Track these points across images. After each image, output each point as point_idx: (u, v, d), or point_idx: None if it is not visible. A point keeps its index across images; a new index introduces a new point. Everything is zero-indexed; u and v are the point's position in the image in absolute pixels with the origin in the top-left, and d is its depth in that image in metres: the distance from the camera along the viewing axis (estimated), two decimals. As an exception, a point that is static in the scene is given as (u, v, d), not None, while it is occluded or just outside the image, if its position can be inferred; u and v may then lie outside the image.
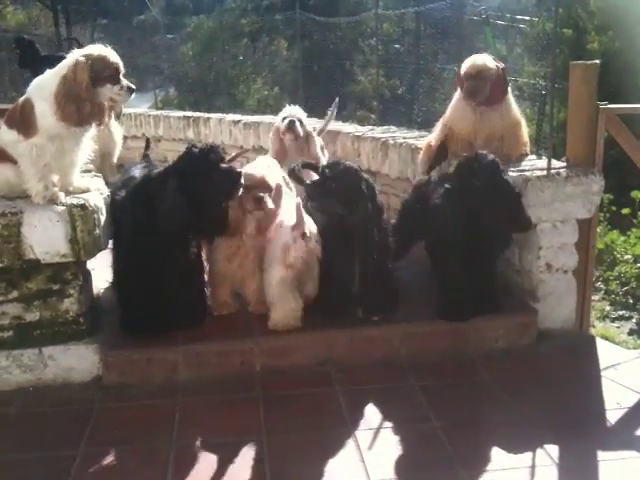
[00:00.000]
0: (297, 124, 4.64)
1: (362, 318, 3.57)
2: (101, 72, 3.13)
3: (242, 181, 3.30)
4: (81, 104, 3.07)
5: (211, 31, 19.42)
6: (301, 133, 4.66)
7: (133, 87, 3.23)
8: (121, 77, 3.20)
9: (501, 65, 4.06)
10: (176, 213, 3.16)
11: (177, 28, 21.40)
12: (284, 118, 4.70)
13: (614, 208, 6.51)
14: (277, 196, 3.56)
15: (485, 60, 4.03)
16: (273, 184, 3.52)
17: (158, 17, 22.16)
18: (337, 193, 3.36)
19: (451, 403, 3.14)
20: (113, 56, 3.19)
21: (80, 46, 4.86)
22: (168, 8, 31.13)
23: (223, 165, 3.26)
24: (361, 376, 3.35)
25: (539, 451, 2.75)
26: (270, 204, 3.44)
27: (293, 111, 4.72)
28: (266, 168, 3.72)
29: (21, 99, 3.22)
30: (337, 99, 5.23)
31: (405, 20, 17.38)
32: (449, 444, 2.80)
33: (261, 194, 3.42)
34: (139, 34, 20.99)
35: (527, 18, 12.18)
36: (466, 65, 4.01)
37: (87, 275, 3.49)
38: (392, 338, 3.52)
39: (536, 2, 12.63)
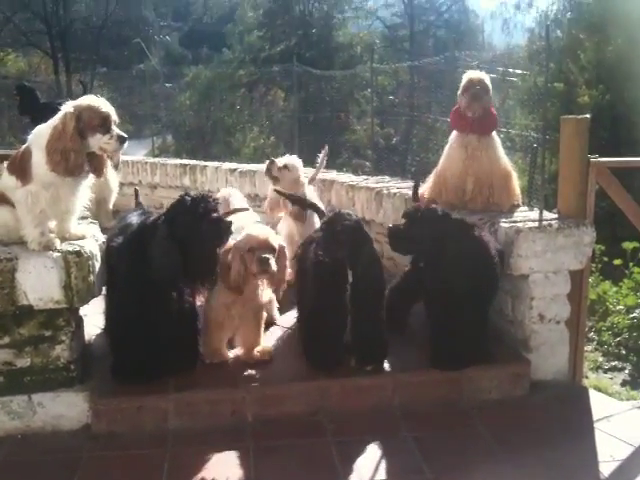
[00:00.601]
0: (274, 163, 4.75)
1: (355, 367, 3.56)
2: (90, 122, 3.16)
3: (231, 230, 3.31)
4: (67, 154, 3.11)
5: (209, 81, 19.81)
6: (277, 174, 4.75)
7: (124, 136, 3.25)
8: (112, 126, 3.23)
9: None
10: (166, 261, 3.17)
11: (176, 77, 21.81)
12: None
13: (606, 259, 6.56)
14: (282, 256, 3.53)
15: (480, 73, 4.26)
16: (276, 245, 3.50)
17: (157, 66, 22.61)
18: (347, 244, 3.37)
19: (444, 454, 3.10)
20: (104, 106, 3.23)
21: (85, 90, 4.88)
22: (167, 58, 31.80)
23: (213, 215, 3.27)
24: (354, 426, 3.32)
25: (532, 504, 2.73)
26: (274, 266, 3.43)
27: (288, 160, 4.80)
28: (267, 228, 3.64)
29: (23, 147, 3.28)
30: (326, 147, 5.30)
31: (399, 73, 17.79)
32: (442, 497, 2.78)
33: (266, 255, 3.39)
34: (138, 82, 21.39)
35: (519, 72, 12.46)
36: (468, 76, 4.21)
37: (79, 321, 3.48)
38: (385, 387, 3.51)
39: (527, 56, 12.95)
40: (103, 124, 3.20)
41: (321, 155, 5.23)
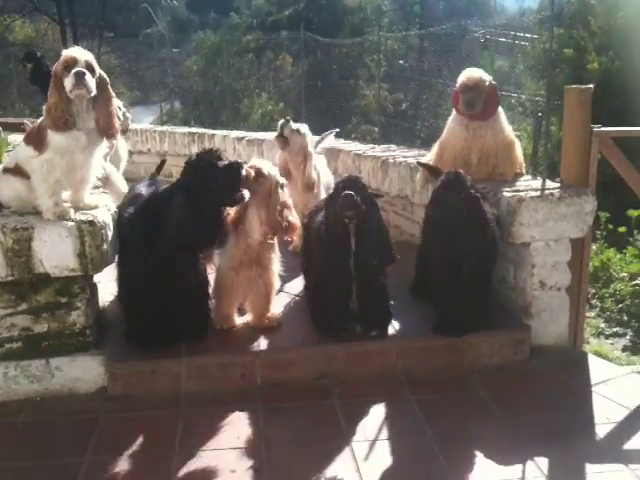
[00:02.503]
0: (289, 123, 4.82)
1: (360, 333, 3.67)
2: (61, 71, 3.19)
3: (244, 172, 3.38)
4: (52, 109, 3.17)
5: (216, 46, 19.69)
6: (289, 135, 4.82)
7: (81, 70, 3.15)
8: (75, 67, 3.17)
9: (493, 82, 4.20)
10: (182, 229, 3.26)
11: (183, 43, 21.68)
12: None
13: (610, 226, 6.61)
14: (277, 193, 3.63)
15: (480, 73, 4.20)
16: (271, 174, 3.61)
17: (164, 31, 22.47)
18: (350, 200, 3.42)
19: (445, 417, 3.23)
20: (72, 52, 3.22)
21: None
22: (174, 22, 31.55)
23: (221, 162, 3.34)
24: (359, 389, 3.45)
25: (529, 463, 2.85)
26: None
27: (300, 125, 4.90)
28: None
29: (40, 118, 3.35)
30: (336, 130, 5.48)
31: (409, 37, 17.64)
32: (443, 457, 2.90)
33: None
34: (145, 48, 21.31)
35: (529, 36, 12.34)
36: (462, 78, 4.15)
37: (94, 289, 3.60)
38: (389, 353, 3.62)
39: (538, 21, 12.80)
40: (67, 67, 3.19)
41: (327, 133, 5.32)
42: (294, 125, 4.85)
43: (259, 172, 3.55)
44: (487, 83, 4.13)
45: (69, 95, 3.18)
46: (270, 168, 3.64)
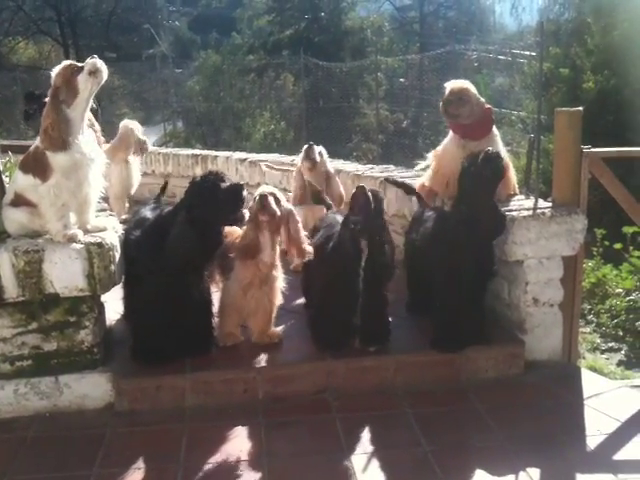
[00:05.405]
0: (314, 149, 5.15)
1: (359, 348, 3.78)
2: (64, 81, 3.33)
3: (244, 193, 3.52)
4: (49, 130, 3.31)
5: (218, 66, 19.91)
6: (317, 158, 5.16)
7: (94, 57, 3.35)
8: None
9: (487, 105, 4.31)
10: (183, 242, 3.40)
11: (185, 63, 21.92)
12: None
13: (607, 243, 6.73)
14: (292, 219, 3.77)
15: (463, 83, 4.26)
16: (282, 199, 3.75)
17: (167, 52, 22.75)
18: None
19: (442, 429, 3.33)
20: (69, 61, 3.41)
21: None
22: (176, 43, 31.87)
23: (224, 183, 3.49)
24: (358, 403, 3.55)
25: (522, 473, 2.95)
26: (274, 206, 3.63)
27: (321, 149, 5.24)
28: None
29: (32, 147, 3.47)
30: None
31: (408, 54, 17.81)
32: (438, 467, 3.00)
33: (263, 193, 3.63)
34: (148, 68, 21.54)
35: (527, 53, 12.48)
36: (446, 90, 4.22)
37: (101, 308, 3.72)
38: (387, 367, 3.73)
39: (535, 42, 12.95)
40: (74, 71, 3.34)
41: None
42: (317, 148, 5.21)
43: (277, 199, 3.68)
44: (472, 93, 4.18)
45: (86, 88, 3.32)
46: (281, 195, 3.79)
